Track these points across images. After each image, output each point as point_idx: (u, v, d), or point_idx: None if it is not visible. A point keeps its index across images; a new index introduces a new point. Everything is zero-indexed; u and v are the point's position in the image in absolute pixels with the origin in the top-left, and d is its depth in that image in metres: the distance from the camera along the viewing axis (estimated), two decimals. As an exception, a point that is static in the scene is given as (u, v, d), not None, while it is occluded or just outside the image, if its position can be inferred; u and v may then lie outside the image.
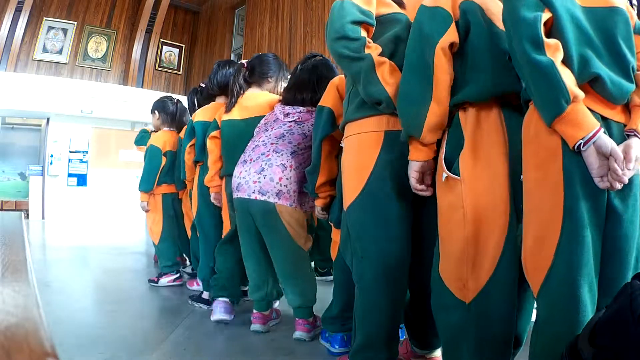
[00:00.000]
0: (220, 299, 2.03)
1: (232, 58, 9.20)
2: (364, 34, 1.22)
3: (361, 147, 1.26)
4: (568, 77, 0.89)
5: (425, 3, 1.14)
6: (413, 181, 1.15)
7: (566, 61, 0.92)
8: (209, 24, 9.95)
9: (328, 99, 1.59)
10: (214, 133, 2.11)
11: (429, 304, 1.32)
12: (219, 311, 1.99)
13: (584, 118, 0.88)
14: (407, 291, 1.39)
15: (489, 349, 1.05)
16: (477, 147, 1.06)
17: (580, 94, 0.89)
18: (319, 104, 1.65)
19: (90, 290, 2.77)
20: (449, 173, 1.08)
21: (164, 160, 2.80)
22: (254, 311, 1.91)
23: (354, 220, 1.27)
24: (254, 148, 1.83)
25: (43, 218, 7.29)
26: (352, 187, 1.27)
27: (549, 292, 0.93)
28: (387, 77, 1.19)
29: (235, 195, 1.83)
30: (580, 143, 0.88)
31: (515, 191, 1.05)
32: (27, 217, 7.10)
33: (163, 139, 2.80)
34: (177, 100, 3.02)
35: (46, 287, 2.62)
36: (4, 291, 0.40)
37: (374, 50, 1.20)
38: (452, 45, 1.09)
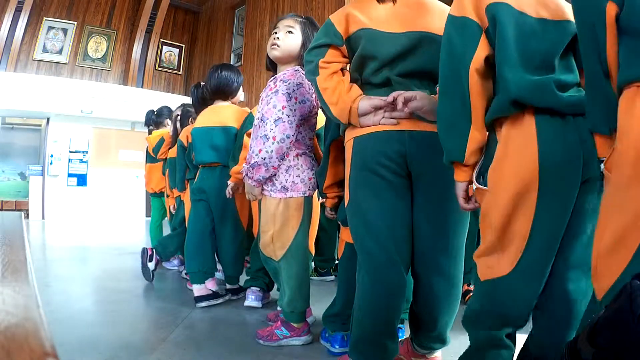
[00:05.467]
0: (253, 287, 2.28)
1: (232, 58, 9.21)
2: (329, 57, 1.31)
3: (346, 155, 1.36)
4: None
5: (452, 11, 1.06)
6: (462, 201, 1.13)
7: None
8: (209, 24, 9.95)
9: None
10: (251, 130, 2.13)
11: (431, 303, 1.34)
12: (251, 299, 2.27)
13: None
14: (411, 288, 1.40)
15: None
16: (505, 158, 1.00)
17: None
18: None
19: (90, 290, 2.77)
20: (477, 185, 1.08)
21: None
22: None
23: (349, 221, 1.34)
24: None
25: (43, 218, 7.29)
26: (346, 192, 1.36)
27: None
28: (331, 99, 1.28)
29: None
30: None
31: (544, 209, 0.99)
32: (27, 217, 7.10)
33: (185, 134, 2.85)
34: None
35: (46, 287, 2.62)
36: (4, 291, 0.39)
37: (326, 69, 1.29)
38: (487, 59, 1.01)
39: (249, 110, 2.36)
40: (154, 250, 2.80)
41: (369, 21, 1.29)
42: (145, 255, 2.78)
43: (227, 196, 2.22)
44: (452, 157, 1.07)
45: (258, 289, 2.29)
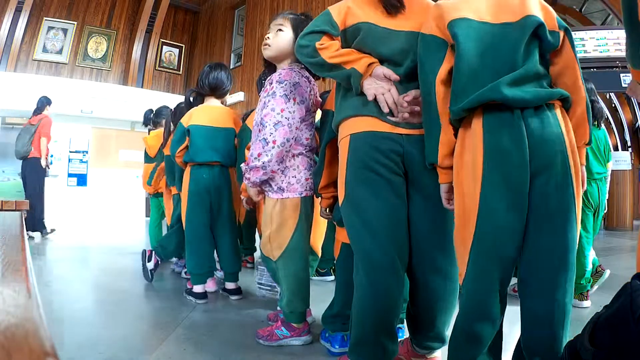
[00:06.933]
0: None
1: (232, 58, 9.21)
2: (323, 40, 1.29)
3: (339, 153, 1.35)
4: None
5: (422, 29, 1.19)
6: (445, 202, 1.21)
7: None
8: (209, 24, 9.95)
9: (332, 103, 1.60)
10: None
11: (429, 302, 1.34)
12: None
13: None
14: (408, 288, 1.40)
15: (463, 337, 1.10)
16: (462, 153, 1.10)
17: None
18: (324, 107, 1.68)
19: (90, 290, 2.77)
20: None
21: None
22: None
23: (345, 221, 1.33)
24: None
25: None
26: (340, 191, 1.34)
27: None
28: (344, 59, 1.25)
29: None
30: None
31: (489, 194, 1.05)
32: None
33: None
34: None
35: (46, 287, 2.62)
36: (4, 291, 0.39)
37: (328, 48, 1.28)
38: (450, 71, 1.13)
39: (241, 115, 2.39)
40: (152, 251, 2.81)
41: (369, 17, 1.29)
42: (143, 257, 2.79)
43: (248, 207, 2.23)
44: (429, 160, 1.18)
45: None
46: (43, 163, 4.84)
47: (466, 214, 1.08)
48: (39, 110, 5.01)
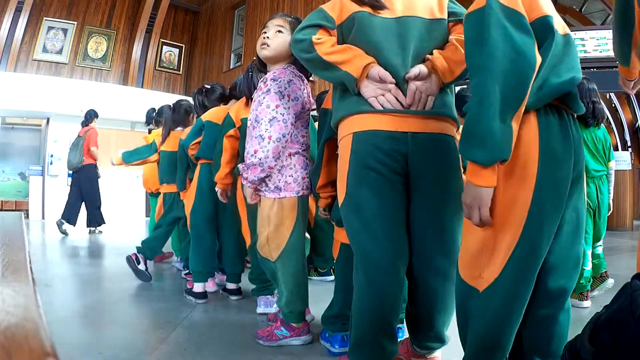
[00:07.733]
0: (262, 296, 2.19)
1: (232, 58, 9.21)
2: (320, 34, 1.30)
3: (340, 152, 1.32)
4: None
5: None
6: (485, 212, 0.99)
7: None
8: (209, 24, 9.95)
9: (330, 102, 1.60)
10: (231, 132, 2.10)
11: (428, 302, 1.34)
12: (264, 305, 2.18)
13: None
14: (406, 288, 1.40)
15: (477, 344, 1.05)
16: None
17: None
18: (322, 106, 1.68)
19: (90, 290, 2.76)
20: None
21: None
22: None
23: (344, 220, 1.32)
24: None
25: (43, 218, 7.29)
26: (339, 190, 1.32)
27: None
28: (340, 58, 1.25)
29: None
30: None
31: (543, 196, 0.97)
32: (27, 217, 7.10)
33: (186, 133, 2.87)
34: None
35: (46, 287, 2.62)
36: (4, 291, 0.39)
37: (324, 43, 1.27)
38: None
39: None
40: (137, 254, 2.81)
41: (362, 7, 1.29)
42: (131, 262, 2.77)
43: (223, 200, 2.23)
44: (502, 156, 0.94)
45: (267, 296, 2.22)
46: (99, 168, 5.48)
47: (505, 215, 0.99)
48: (86, 122, 5.46)
